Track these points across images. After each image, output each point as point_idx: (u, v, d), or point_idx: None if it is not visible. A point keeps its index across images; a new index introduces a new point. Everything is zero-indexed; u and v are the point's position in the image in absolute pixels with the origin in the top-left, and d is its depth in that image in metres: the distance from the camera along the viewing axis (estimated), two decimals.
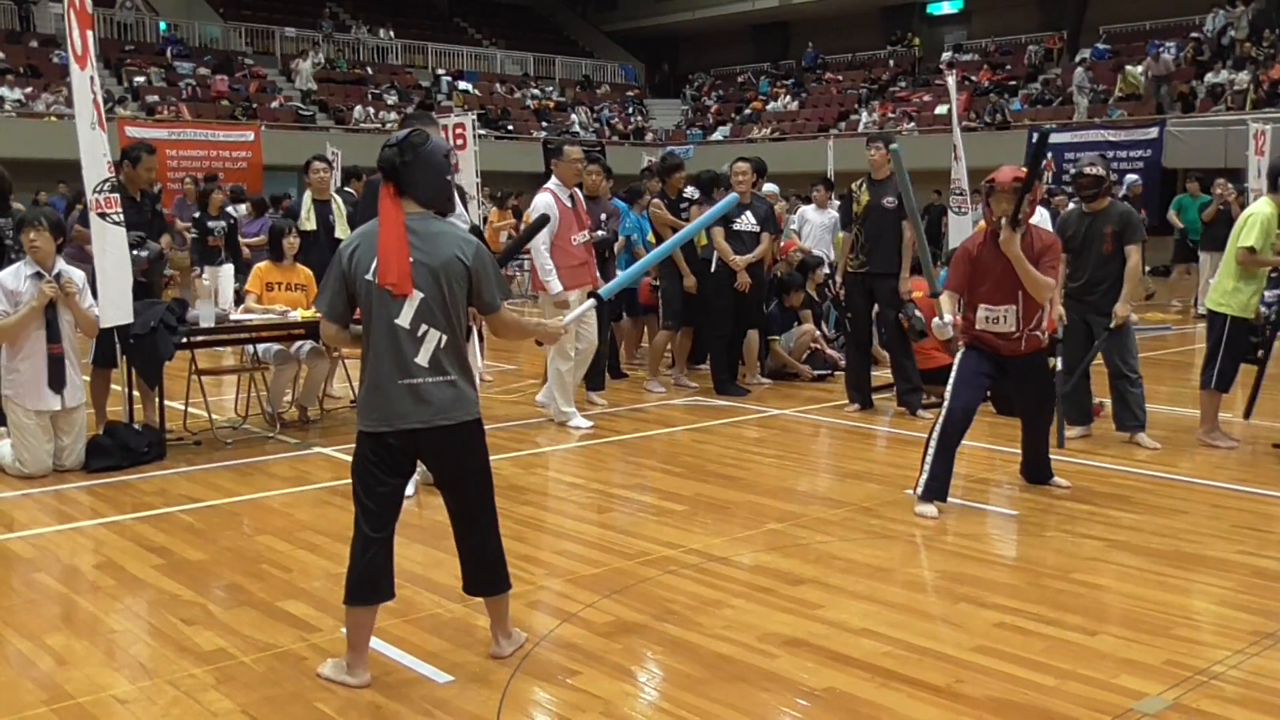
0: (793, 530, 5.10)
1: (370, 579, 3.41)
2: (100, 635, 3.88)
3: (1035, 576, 4.42)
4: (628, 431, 7.42)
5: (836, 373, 9.23)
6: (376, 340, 3.32)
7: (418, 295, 3.27)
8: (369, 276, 3.29)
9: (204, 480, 6.10)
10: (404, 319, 3.28)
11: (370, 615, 3.45)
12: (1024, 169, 5.40)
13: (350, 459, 3.49)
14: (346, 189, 9.81)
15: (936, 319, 5.55)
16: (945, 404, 5.45)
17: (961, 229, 10.77)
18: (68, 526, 5.25)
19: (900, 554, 4.78)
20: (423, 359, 3.30)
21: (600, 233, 8.28)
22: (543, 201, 7.52)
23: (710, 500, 5.70)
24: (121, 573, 4.54)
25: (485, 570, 3.52)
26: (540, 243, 7.31)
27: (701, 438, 7.29)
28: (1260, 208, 6.62)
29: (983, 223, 5.55)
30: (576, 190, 7.77)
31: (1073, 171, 6.94)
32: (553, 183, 7.61)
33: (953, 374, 5.49)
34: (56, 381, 6.16)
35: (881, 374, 8.58)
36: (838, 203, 10.31)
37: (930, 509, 5.30)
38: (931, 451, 5.37)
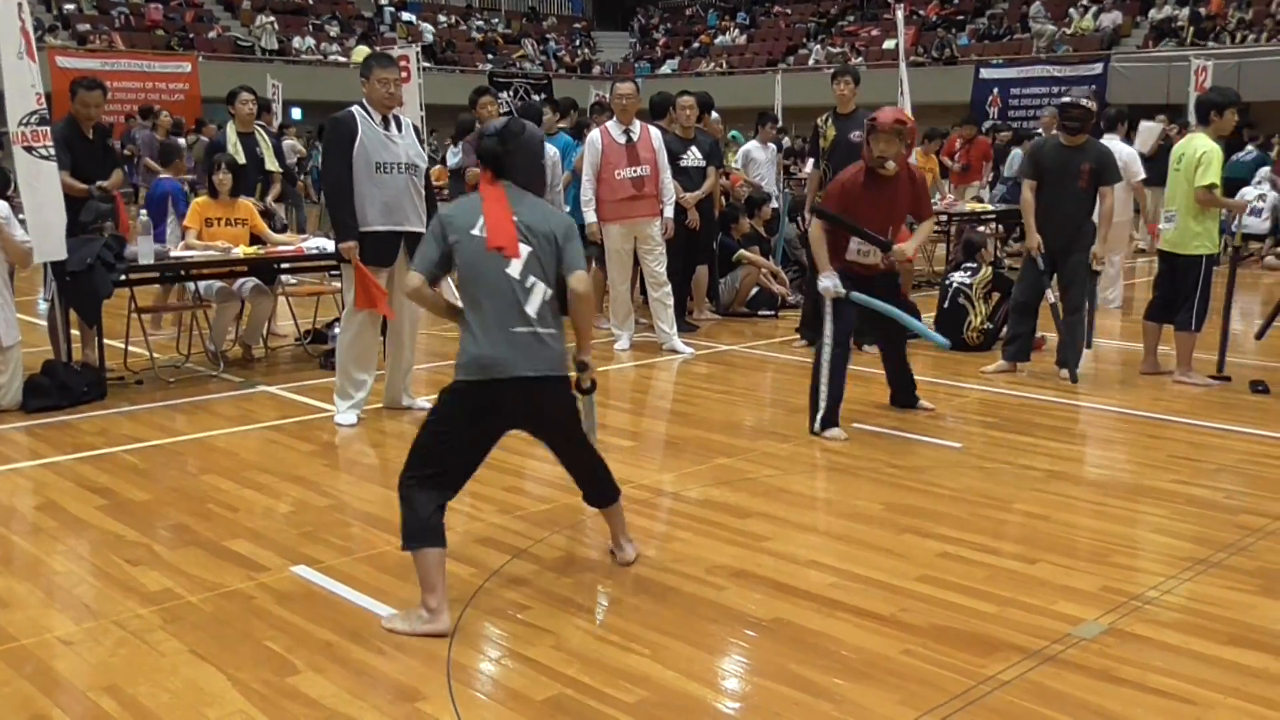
0: (740, 464, 5.14)
1: (435, 527, 3.38)
2: (42, 577, 3.83)
3: (977, 507, 4.51)
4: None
5: (783, 312, 9.28)
6: (489, 289, 3.43)
7: (525, 249, 3.46)
8: (475, 232, 3.45)
9: (146, 420, 6.02)
10: (514, 270, 3.44)
11: (441, 554, 3.38)
12: (906, 113, 5.53)
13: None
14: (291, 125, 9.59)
15: (823, 280, 5.59)
16: (828, 334, 5.61)
17: None
18: (6, 468, 5.16)
19: (846, 487, 4.85)
20: (532, 309, 3.44)
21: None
22: (591, 136, 7.93)
23: (659, 436, 5.72)
24: (63, 514, 4.48)
25: (597, 484, 3.82)
26: (585, 176, 7.78)
27: (650, 374, 7.30)
28: (1207, 143, 6.47)
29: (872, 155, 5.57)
30: (639, 127, 7.83)
31: (1065, 100, 6.94)
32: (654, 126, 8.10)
33: (827, 305, 5.61)
34: None
35: None
36: (789, 142, 10.23)
37: (839, 432, 5.54)
38: (825, 381, 5.57)
